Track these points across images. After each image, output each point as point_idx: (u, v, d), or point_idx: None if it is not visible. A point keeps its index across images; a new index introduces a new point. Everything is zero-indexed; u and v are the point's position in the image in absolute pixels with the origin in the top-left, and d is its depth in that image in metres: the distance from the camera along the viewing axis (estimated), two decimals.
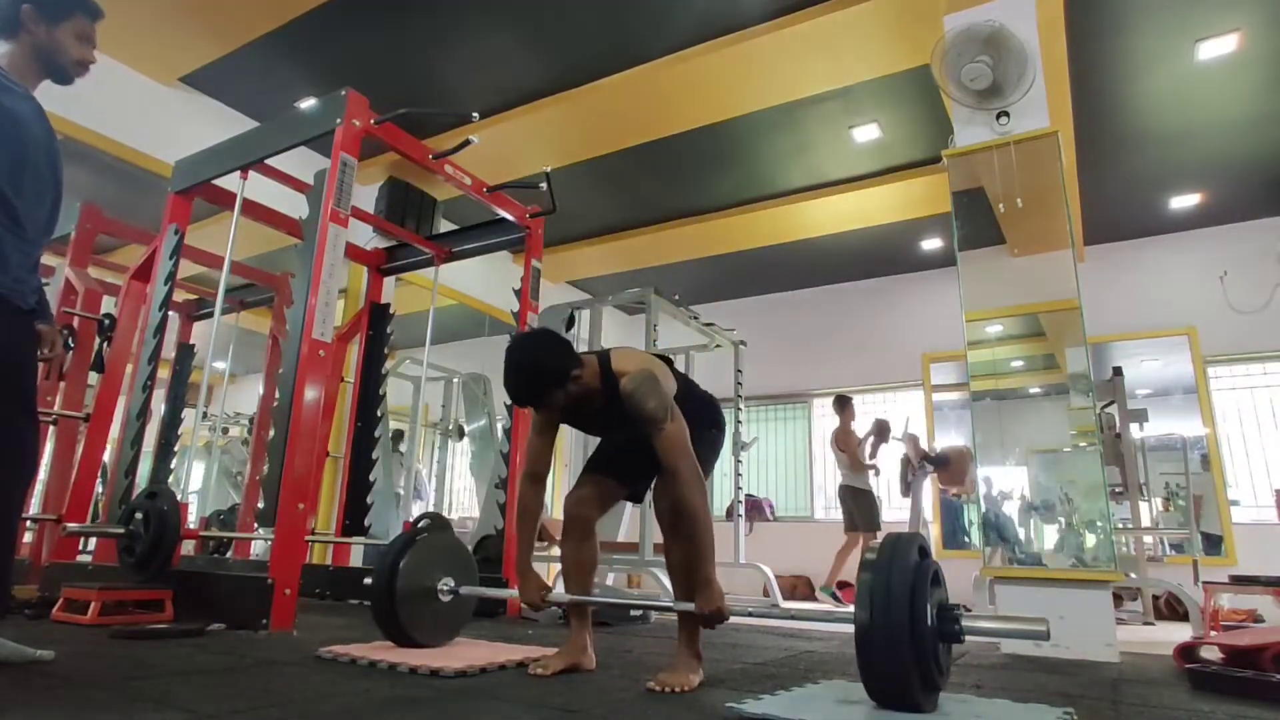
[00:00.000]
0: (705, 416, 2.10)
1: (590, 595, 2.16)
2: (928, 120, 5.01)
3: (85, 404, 4.13)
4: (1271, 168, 5.40)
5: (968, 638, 1.56)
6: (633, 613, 3.65)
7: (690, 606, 1.85)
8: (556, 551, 5.77)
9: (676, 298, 5.37)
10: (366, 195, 5.88)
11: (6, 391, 1.81)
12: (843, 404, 6.42)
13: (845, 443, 6.24)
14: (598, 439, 2.28)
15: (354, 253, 4.85)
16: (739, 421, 6.21)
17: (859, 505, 6.05)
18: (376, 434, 4.78)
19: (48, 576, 3.45)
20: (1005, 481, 3.49)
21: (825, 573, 6.93)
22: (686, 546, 1.93)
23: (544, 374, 1.88)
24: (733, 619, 1.85)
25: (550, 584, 2.18)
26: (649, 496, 2.13)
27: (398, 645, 2.24)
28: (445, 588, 2.34)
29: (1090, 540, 3.07)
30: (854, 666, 2.41)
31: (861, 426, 6.43)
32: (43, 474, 3.98)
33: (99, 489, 4.23)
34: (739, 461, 6.18)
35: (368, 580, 2.28)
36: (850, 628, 1.52)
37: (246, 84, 5.03)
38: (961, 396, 6.56)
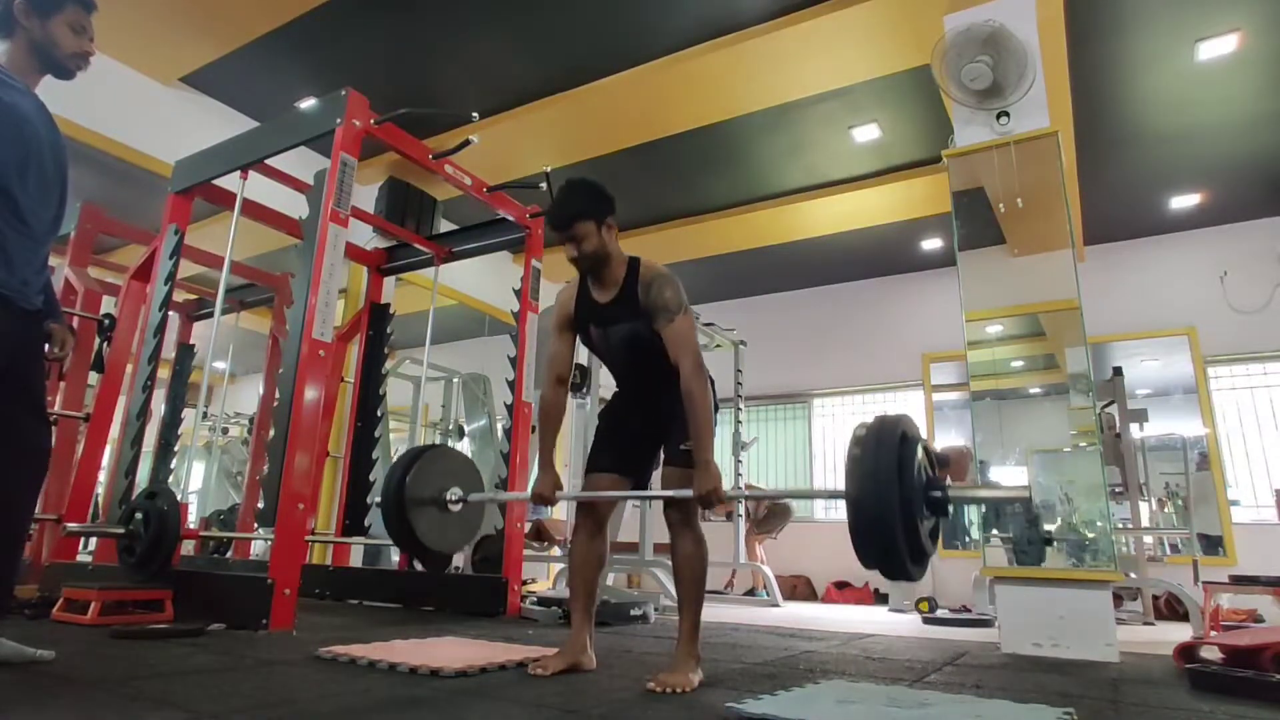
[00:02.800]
0: None
1: (595, 590, 2.17)
2: (928, 120, 5.01)
3: (85, 404, 4.13)
4: (1271, 168, 5.39)
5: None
6: (632, 612, 3.65)
7: (688, 493, 1.90)
8: (556, 551, 5.78)
9: None
10: (366, 195, 5.88)
11: (14, 392, 1.81)
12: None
13: None
14: (594, 439, 2.28)
15: (354, 253, 4.85)
16: (739, 421, 6.21)
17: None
18: (376, 434, 4.78)
19: (48, 576, 3.45)
20: (1005, 481, 3.49)
21: (825, 572, 6.94)
22: (692, 427, 1.97)
23: (590, 200, 2.05)
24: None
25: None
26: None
27: (412, 556, 2.30)
28: (453, 497, 2.41)
29: (1090, 540, 3.07)
30: (854, 666, 2.42)
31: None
32: None
33: (99, 489, 4.23)
34: (739, 461, 6.18)
35: (377, 500, 2.33)
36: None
37: (246, 84, 5.03)
38: (961, 396, 6.57)
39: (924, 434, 6.64)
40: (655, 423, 2.13)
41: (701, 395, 1.94)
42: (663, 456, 2.15)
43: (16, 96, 1.82)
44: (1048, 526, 3.17)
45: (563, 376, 2.22)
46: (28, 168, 1.81)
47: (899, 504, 1.53)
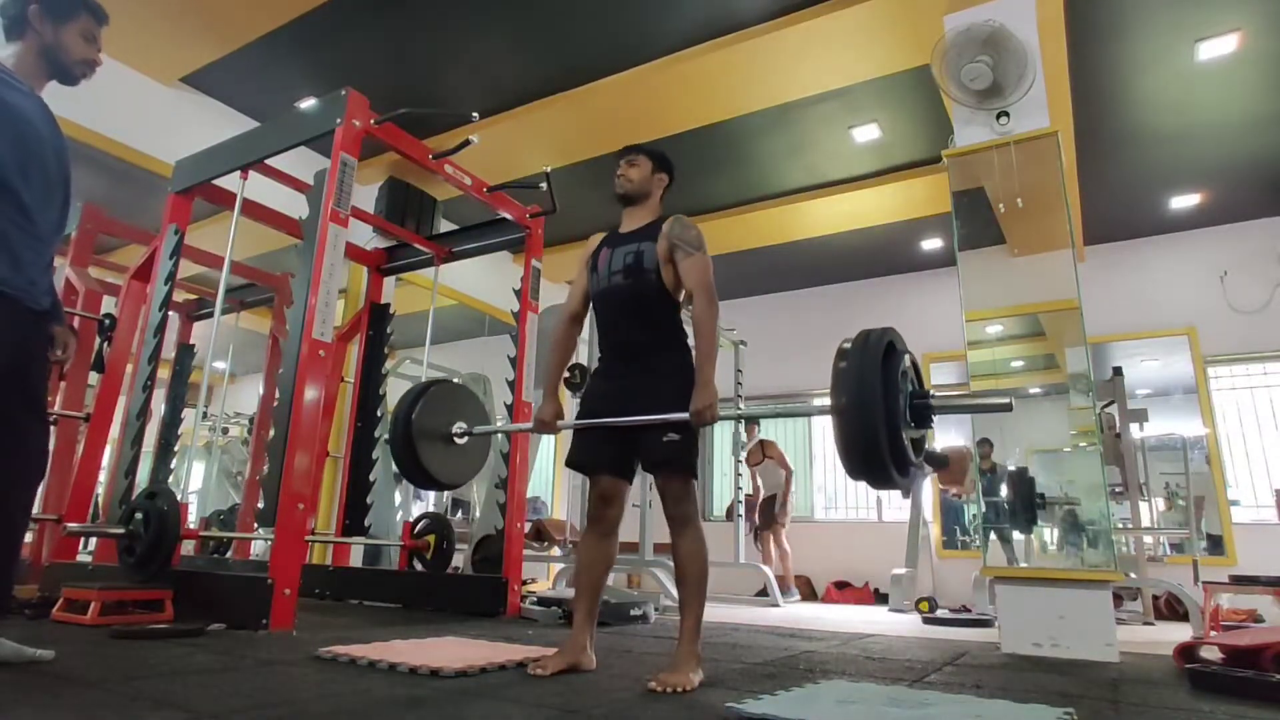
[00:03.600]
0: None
1: (600, 594, 2.16)
2: (928, 120, 5.01)
3: (85, 404, 4.13)
4: (1271, 168, 5.40)
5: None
6: (632, 612, 3.65)
7: (685, 416, 1.94)
8: (556, 551, 5.78)
9: None
10: (366, 195, 5.88)
11: (15, 392, 1.81)
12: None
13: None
14: (577, 435, 2.27)
15: (354, 253, 4.85)
16: (739, 421, 6.21)
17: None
18: (376, 434, 4.78)
19: (48, 576, 3.45)
20: (1003, 488, 3.48)
21: (825, 572, 6.92)
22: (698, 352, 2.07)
23: (658, 153, 2.46)
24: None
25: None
26: (639, 496, 2.12)
27: (420, 486, 2.38)
28: (459, 430, 2.49)
29: (1090, 540, 3.07)
30: (854, 666, 2.42)
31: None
32: None
33: (99, 489, 4.23)
34: (739, 462, 6.18)
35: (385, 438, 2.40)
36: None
37: (246, 84, 5.03)
38: None
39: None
40: (639, 404, 2.06)
41: (710, 325, 2.04)
42: (646, 464, 2.11)
43: (20, 98, 1.83)
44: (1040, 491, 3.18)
45: (576, 314, 2.34)
46: (29, 168, 1.82)
47: (883, 411, 1.54)
